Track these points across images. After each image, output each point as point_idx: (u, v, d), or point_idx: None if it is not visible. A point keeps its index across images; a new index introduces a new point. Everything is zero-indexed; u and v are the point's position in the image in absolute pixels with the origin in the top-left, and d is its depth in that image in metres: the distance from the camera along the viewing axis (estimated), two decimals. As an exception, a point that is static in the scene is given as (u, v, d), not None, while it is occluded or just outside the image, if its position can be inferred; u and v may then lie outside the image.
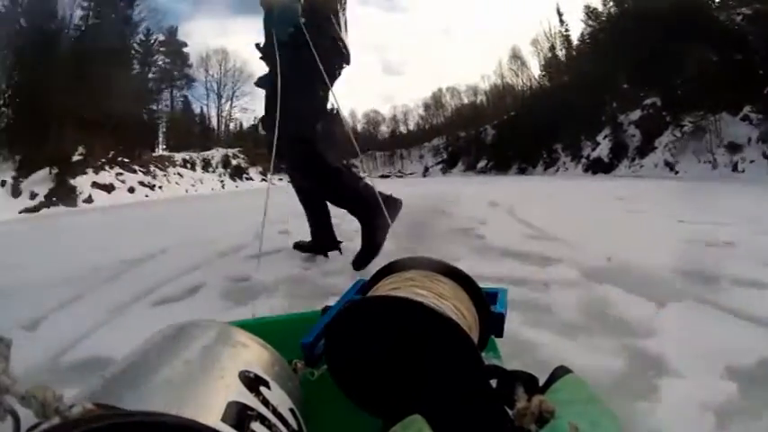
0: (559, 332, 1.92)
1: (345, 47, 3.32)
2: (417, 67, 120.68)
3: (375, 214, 2.95)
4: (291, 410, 0.74)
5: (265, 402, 0.68)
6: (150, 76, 39.50)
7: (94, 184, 24.92)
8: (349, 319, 0.89)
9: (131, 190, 26.95)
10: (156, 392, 0.59)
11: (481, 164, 50.54)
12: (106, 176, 26.21)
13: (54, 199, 22.89)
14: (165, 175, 32.15)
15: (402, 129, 74.08)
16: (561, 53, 50.92)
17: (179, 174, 34.58)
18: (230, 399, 0.63)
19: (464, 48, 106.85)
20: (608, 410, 0.72)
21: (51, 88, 24.29)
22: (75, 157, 25.32)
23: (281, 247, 4.00)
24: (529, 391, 0.76)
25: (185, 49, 43.82)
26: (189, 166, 37.24)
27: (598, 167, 30.10)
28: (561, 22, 49.82)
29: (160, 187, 29.88)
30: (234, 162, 41.89)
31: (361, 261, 3.12)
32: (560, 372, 0.82)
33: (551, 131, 37.70)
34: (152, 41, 40.19)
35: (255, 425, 0.62)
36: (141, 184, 28.38)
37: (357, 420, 0.91)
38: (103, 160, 27.16)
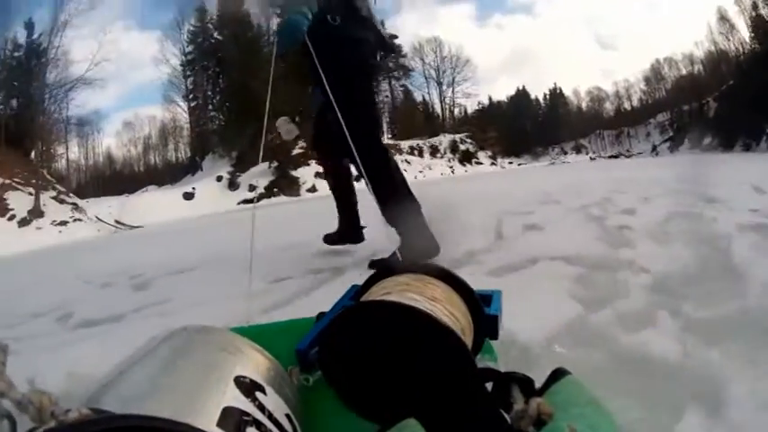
0: None
1: (381, 34, 3.31)
2: (629, 41, 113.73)
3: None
4: (287, 416, 0.74)
5: (261, 407, 0.68)
6: None
7: (318, 175, 25.04)
8: (342, 325, 0.89)
9: (357, 179, 26.22)
10: (152, 397, 0.59)
11: (706, 140, 44.13)
12: None
13: (275, 190, 24.59)
14: None
15: (626, 105, 69.65)
16: (765, 11, 44.42)
17: (406, 161, 35.07)
18: (226, 404, 0.62)
19: (670, 15, 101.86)
20: (606, 413, 0.72)
21: (259, 90, 24.73)
22: (296, 151, 26.37)
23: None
24: (525, 394, 0.76)
25: (396, 41, 42.97)
26: (416, 153, 37.58)
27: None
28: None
29: None
30: (462, 147, 41.51)
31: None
32: (559, 374, 0.82)
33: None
34: (362, 37, 39.49)
35: (251, 430, 0.62)
36: None
37: (352, 425, 0.90)
38: None
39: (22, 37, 32.38)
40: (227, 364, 0.73)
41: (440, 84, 47.31)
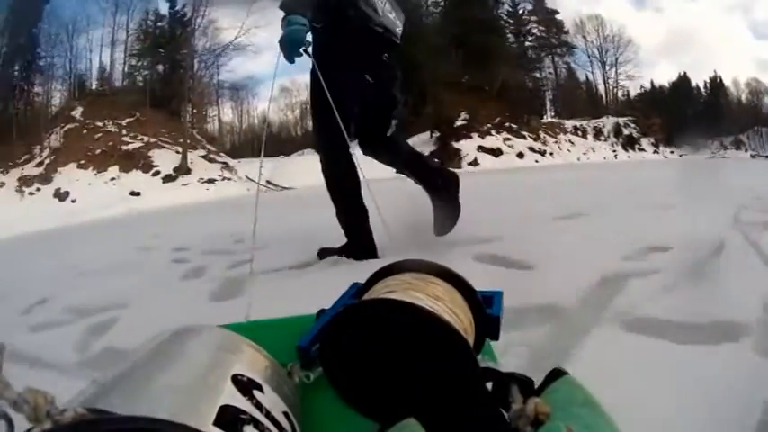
0: None
1: (385, 27, 3.30)
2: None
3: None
4: (285, 414, 0.74)
5: (258, 406, 0.68)
6: (527, 44, 38.81)
7: (480, 148, 25.48)
8: (344, 322, 0.89)
9: (520, 155, 26.98)
10: (148, 397, 0.59)
11: None
12: (493, 141, 26.64)
13: (437, 160, 22.99)
14: (555, 142, 31.84)
15: (786, 100, 63.90)
16: None
17: (570, 141, 34.09)
18: (222, 402, 0.62)
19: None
20: (604, 413, 0.72)
21: (418, 58, 24.69)
22: (459, 122, 26.28)
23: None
24: (524, 394, 0.76)
25: (558, 17, 41.75)
26: (580, 133, 36.41)
27: None
28: None
29: (551, 154, 29.61)
30: (625, 132, 39.96)
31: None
32: (556, 374, 0.81)
33: None
34: (521, 11, 39.07)
35: (248, 429, 0.62)
36: (531, 149, 28.33)
37: (353, 423, 0.90)
38: (489, 125, 27.57)
39: (164, 8, 34.23)
40: (225, 362, 0.73)
41: (603, 63, 45.92)
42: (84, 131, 27.81)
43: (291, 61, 2.99)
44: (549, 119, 38.12)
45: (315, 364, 0.98)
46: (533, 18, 40.26)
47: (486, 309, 1.06)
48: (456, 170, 18.78)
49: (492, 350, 1.11)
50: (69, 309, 3.08)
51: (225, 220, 7.21)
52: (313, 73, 3.14)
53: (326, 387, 0.92)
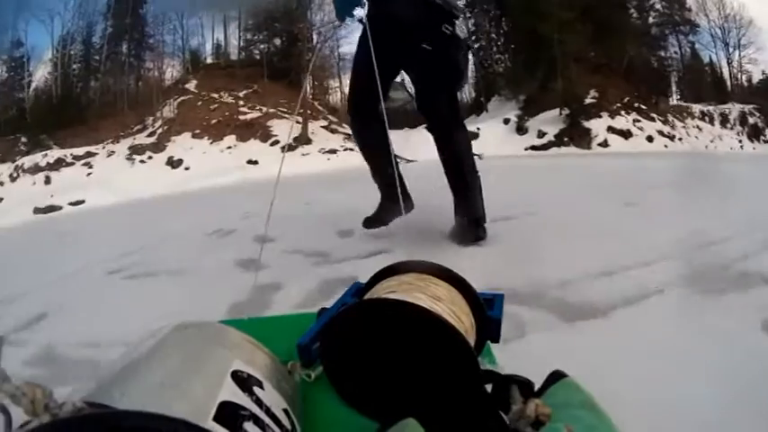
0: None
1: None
2: None
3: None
4: (285, 411, 0.75)
5: (258, 402, 0.68)
6: (651, 20, 36.62)
7: (610, 129, 24.52)
8: (346, 321, 0.89)
9: (650, 139, 25.67)
10: (148, 392, 0.60)
11: None
12: (622, 122, 25.64)
13: (566, 139, 23.37)
14: (683, 127, 30.38)
15: None
16: None
17: (697, 127, 32.36)
18: (222, 399, 0.63)
19: None
20: (603, 414, 0.72)
21: (548, 31, 24.73)
22: (588, 100, 25.46)
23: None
24: (524, 395, 0.76)
25: None
26: (707, 119, 34.34)
27: None
28: None
29: (680, 139, 28.07)
30: (750, 120, 37.11)
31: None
32: (556, 376, 0.82)
33: None
34: (644, -16, 37.71)
35: (248, 425, 0.63)
36: (660, 133, 26.90)
37: (353, 423, 0.91)
38: (618, 105, 26.72)
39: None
40: (225, 358, 0.73)
41: (726, 44, 43.39)
42: (199, 103, 28.35)
43: (342, 20, 3.08)
44: (675, 101, 35.61)
45: (315, 363, 0.99)
46: (657, -7, 37.86)
47: (487, 311, 1.06)
48: (585, 151, 19.20)
49: (492, 352, 1.11)
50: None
51: (341, 189, 7.04)
52: (362, 35, 3.10)
53: (327, 386, 0.93)
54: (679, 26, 39.05)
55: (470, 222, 3.18)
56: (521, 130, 24.44)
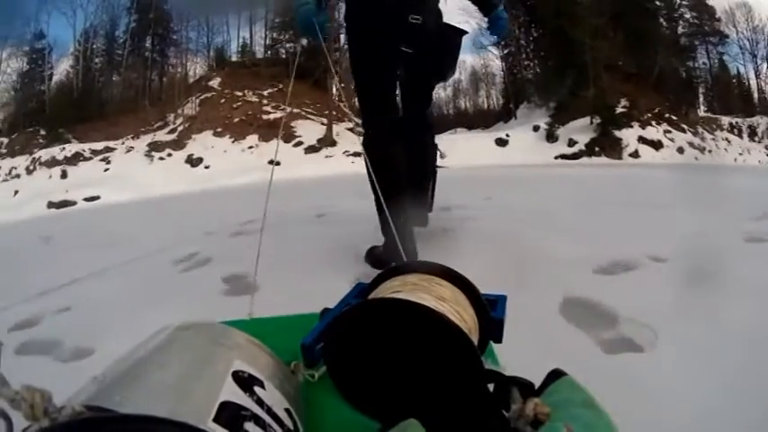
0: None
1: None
2: None
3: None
4: (287, 411, 0.75)
5: (260, 402, 0.69)
6: (680, 30, 36.27)
7: (641, 139, 23.98)
8: (350, 320, 0.89)
9: (680, 150, 25.01)
10: (148, 394, 0.60)
11: None
12: (653, 132, 25.06)
13: (597, 149, 22.85)
14: (713, 139, 29.63)
15: None
16: None
17: (726, 139, 31.46)
18: (223, 399, 0.63)
19: None
20: (603, 413, 0.72)
21: (579, 38, 24.55)
22: (619, 109, 24.92)
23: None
24: (524, 395, 0.76)
25: (709, 2, 39.85)
26: (736, 132, 33.50)
27: None
28: None
29: (709, 151, 27.32)
30: None
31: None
32: (555, 374, 0.81)
33: None
34: (674, -6, 36.74)
35: (249, 425, 0.62)
36: (690, 145, 26.14)
37: (356, 422, 0.90)
38: (649, 115, 26.20)
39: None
40: (225, 358, 0.74)
41: (754, 56, 42.61)
42: (222, 101, 28.53)
43: (308, 36, 2.85)
44: (702, 113, 34.72)
45: (319, 363, 0.99)
46: (684, 2, 36.63)
47: (490, 312, 1.06)
48: (617, 161, 18.64)
49: (495, 353, 1.12)
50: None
51: (364, 196, 6.49)
52: (348, 39, 3.00)
53: (331, 386, 0.92)
54: (708, 36, 38.37)
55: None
56: (551, 137, 24.08)
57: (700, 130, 28.73)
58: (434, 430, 0.73)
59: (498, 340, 1.08)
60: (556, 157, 22.45)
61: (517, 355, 1.07)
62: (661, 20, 33.65)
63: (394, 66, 2.92)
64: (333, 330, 0.92)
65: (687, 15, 35.79)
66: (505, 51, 33.64)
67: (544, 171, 13.28)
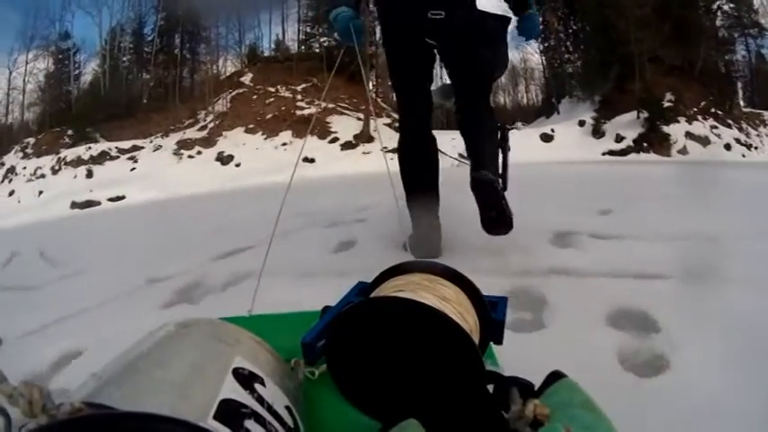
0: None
1: None
2: None
3: None
4: (287, 408, 0.75)
5: (260, 399, 0.69)
6: (718, 23, 33.97)
7: (688, 135, 22.75)
8: (352, 319, 0.89)
9: (727, 147, 23.72)
10: (147, 391, 0.60)
11: None
12: (700, 128, 23.74)
13: (645, 145, 21.72)
14: (757, 135, 28.07)
15: None
16: None
17: None
18: (223, 396, 0.63)
19: None
20: (602, 415, 0.72)
21: (624, 29, 23.45)
22: (665, 104, 23.78)
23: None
24: (524, 396, 0.75)
25: None
26: None
27: None
28: None
29: (755, 148, 25.88)
30: None
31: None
32: (555, 376, 0.82)
33: None
34: (711, -15, 35.02)
35: (249, 422, 0.62)
36: (737, 141, 24.92)
37: (357, 420, 0.91)
38: (695, 109, 24.93)
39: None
40: (226, 355, 0.74)
41: None
42: (254, 96, 27.91)
43: (346, 42, 2.90)
44: (745, 109, 33.60)
45: (319, 361, 0.99)
46: (722, -7, 35.81)
47: (491, 313, 1.07)
48: (665, 158, 17.63)
49: (495, 355, 1.13)
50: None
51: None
52: (383, 38, 3.02)
53: (330, 384, 0.92)
54: (747, 29, 37.27)
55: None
56: (597, 132, 23.12)
57: (744, 125, 27.49)
58: (434, 430, 0.74)
59: (499, 342, 1.08)
60: (603, 153, 21.53)
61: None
62: (700, 11, 32.81)
63: (421, 62, 2.92)
64: (334, 328, 0.91)
65: (725, 7, 34.78)
66: (545, 45, 33.16)
67: (608, 169, 12.06)
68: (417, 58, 2.89)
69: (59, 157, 23.31)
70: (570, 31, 31.65)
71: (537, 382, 0.83)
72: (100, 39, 31.08)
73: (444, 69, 3.03)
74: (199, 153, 23.18)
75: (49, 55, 30.65)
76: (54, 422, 0.50)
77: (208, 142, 23.76)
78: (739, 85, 35.44)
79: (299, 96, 27.53)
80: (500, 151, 2.92)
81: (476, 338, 0.96)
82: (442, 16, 2.67)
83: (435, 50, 2.88)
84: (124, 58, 31.44)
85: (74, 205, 17.70)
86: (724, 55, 33.13)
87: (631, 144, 21.86)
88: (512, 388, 0.77)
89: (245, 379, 0.71)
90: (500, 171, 2.87)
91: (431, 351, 0.84)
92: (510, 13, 2.93)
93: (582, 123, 23.62)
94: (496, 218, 2.58)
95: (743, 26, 35.63)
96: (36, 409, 0.52)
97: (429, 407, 0.80)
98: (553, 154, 19.77)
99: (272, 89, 28.47)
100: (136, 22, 31.84)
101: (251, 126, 25.27)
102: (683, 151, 21.94)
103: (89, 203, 17.73)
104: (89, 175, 21.77)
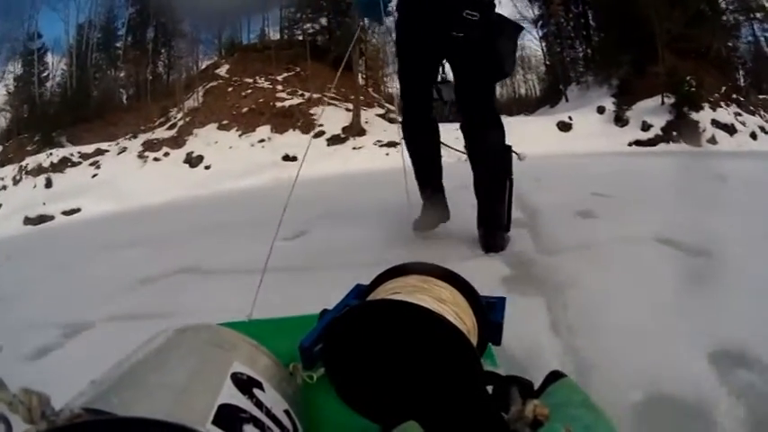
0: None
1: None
2: None
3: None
4: (286, 412, 0.75)
5: (258, 404, 0.68)
6: (723, 6, 34.40)
7: (714, 123, 20.95)
8: (349, 322, 0.88)
9: (753, 135, 21.86)
10: (146, 397, 0.60)
11: None
12: (724, 115, 21.89)
13: (674, 134, 19.65)
14: None
15: None
16: None
17: None
18: (221, 401, 0.63)
19: None
20: (602, 414, 0.72)
21: (643, 8, 21.69)
22: (686, 88, 21.23)
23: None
24: (523, 396, 0.76)
25: None
26: None
27: None
28: None
29: None
30: None
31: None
32: (554, 376, 0.82)
33: None
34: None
35: (248, 427, 0.62)
36: (762, 129, 22.76)
37: (355, 424, 0.90)
38: (717, 95, 22.98)
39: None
40: (224, 360, 0.73)
41: None
42: (230, 89, 25.62)
43: (370, 17, 3.11)
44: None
45: (317, 365, 0.99)
46: (727, -26, 34.91)
47: (489, 314, 1.07)
48: (696, 148, 16.49)
49: (494, 355, 1.12)
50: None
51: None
52: (396, 27, 3.10)
53: (329, 387, 0.91)
54: (754, 12, 36.55)
55: (490, 231, 3.00)
56: (619, 120, 20.81)
57: (762, 112, 25.36)
58: None
59: (497, 342, 1.08)
60: (629, 144, 19.54)
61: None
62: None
63: (431, 69, 3.11)
64: (332, 332, 0.91)
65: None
66: (544, 31, 32.42)
67: (644, 163, 10.07)
68: (428, 68, 3.09)
69: (21, 166, 21.31)
70: (571, 15, 31.12)
71: (537, 381, 0.83)
72: (67, 36, 29.14)
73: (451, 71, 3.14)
74: (166, 155, 20.86)
75: (18, 57, 29.68)
76: (53, 428, 0.50)
77: (176, 142, 20.99)
78: (741, 73, 35.37)
79: (279, 87, 25.22)
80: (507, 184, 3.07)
81: (474, 339, 0.97)
82: (463, 36, 2.82)
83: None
84: (93, 55, 30.14)
85: (27, 221, 15.99)
86: (732, 40, 32.64)
87: (660, 133, 19.97)
88: (511, 388, 0.78)
89: (244, 384, 0.70)
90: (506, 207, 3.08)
91: (428, 353, 0.84)
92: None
93: (601, 110, 21.66)
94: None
95: (749, 9, 35.04)
96: (35, 415, 0.52)
97: (428, 409, 0.80)
98: (574, 144, 18.16)
99: (250, 80, 26.10)
100: (105, 15, 30.59)
101: (225, 122, 22.15)
102: (712, 141, 20.30)
103: (42, 219, 16.03)
104: (48, 184, 19.59)
